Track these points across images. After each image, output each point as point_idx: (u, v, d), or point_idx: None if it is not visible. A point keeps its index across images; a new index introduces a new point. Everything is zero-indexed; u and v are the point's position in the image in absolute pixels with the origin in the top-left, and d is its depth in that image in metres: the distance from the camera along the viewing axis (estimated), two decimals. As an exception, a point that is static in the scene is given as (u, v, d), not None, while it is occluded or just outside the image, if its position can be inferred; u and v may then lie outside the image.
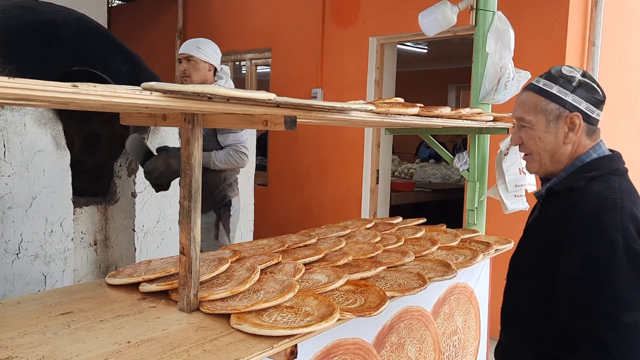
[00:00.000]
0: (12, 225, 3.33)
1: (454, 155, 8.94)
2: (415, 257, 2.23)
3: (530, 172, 1.59)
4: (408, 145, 9.12)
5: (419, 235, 2.59)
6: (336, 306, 1.56)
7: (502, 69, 2.61)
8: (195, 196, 1.59)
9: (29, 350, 1.31)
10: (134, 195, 3.96)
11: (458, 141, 7.65)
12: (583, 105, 1.47)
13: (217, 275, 1.80)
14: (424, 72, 9.97)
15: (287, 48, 5.84)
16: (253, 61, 6.44)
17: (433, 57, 9.04)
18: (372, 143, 5.15)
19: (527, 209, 2.69)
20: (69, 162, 3.59)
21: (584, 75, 1.50)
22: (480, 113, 2.38)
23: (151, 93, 1.06)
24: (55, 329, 1.45)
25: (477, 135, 2.83)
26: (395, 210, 5.59)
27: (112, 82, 3.94)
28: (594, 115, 1.48)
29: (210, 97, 1.16)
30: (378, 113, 1.56)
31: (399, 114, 1.69)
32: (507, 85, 2.68)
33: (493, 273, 2.88)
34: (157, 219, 4.13)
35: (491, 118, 2.38)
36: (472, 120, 2.27)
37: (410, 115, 1.79)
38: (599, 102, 1.48)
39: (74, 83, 0.92)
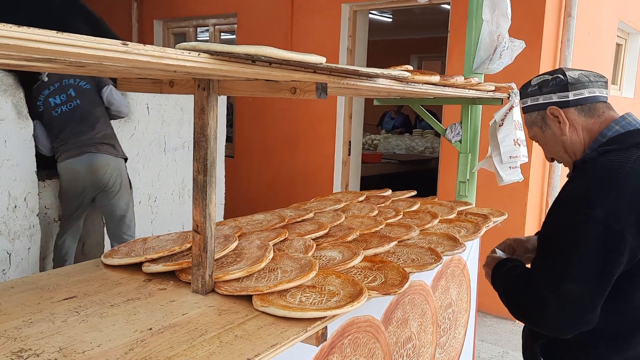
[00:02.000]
0: (-28, 201, 3.09)
1: (416, 128, 8.94)
2: (420, 230, 2.18)
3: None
4: (371, 116, 9.07)
5: (415, 208, 2.54)
6: (363, 285, 1.49)
7: (499, 37, 2.55)
8: (211, 170, 1.47)
9: (42, 342, 1.18)
10: (100, 167, 3.74)
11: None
12: (554, 97, 1.54)
13: (226, 254, 1.70)
14: (386, 41, 9.89)
15: (254, 13, 5.62)
16: (217, 27, 6.19)
17: (396, 26, 8.97)
18: (345, 114, 5.06)
19: (521, 181, 2.69)
20: (32, 132, 3.35)
21: (554, 72, 1.57)
22: (479, 83, 2.33)
23: (199, 54, 0.93)
24: (64, 315, 1.32)
25: (469, 106, 2.79)
26: (363, 182, 5.55)
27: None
28: (572, 98, 1.52)
29: (254, 61, 1.04)
30: (399, 80, 1.48)
31: (423, 82, 1.61)
32: (502, 55, 2.63)
33: (482, 245, 2.88)
34: (126, 192, 3.93)
35: (493, 88, 2.33)
36: (477, 89, 2.21)
37: (429, 84, 1.71)
38: (566, 85, 1.51)
39: (123, 42, 0.79)
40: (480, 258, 2.87)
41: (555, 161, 1.64)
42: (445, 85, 1.82)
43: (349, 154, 5.12)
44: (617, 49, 5.64)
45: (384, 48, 9.76)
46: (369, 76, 1.31)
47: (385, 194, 2.85)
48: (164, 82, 1.55)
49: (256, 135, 5.73)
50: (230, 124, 6.31)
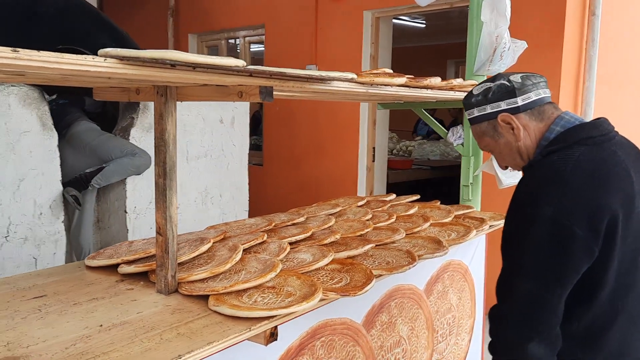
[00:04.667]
0: (-1, 208, 3.27)
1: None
2: (407, 234, 2.16)
3: None
4: (406, 122, 9.01)
5: (411, 212, 2.52)
6: (319, 286, 1.50)
7: (497, 38, 2.51)
8: (171, 174, 1.52)
9: (-5, 336, 1.25)
10: (124, 175, 3.88)
11: (459, 117, 7.53)
12: (503, 105, 1.51)
13: (199, 255, 1.74)
14: (422, 47, 9.82)
15: (280, 24, 5.71)
16: (247, 39, 6.32)
17: (431, 32, 8.89)
18: (368, 120, 5.06)
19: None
20: (57, 142, 3.51)
21: (495, 79, 1.55)
22: (474, 85, 2.30)
23: (105, 59, 0.98)
24: (26, 313, 1.39)
25: (471, 109, 2.74)
26: (392, 188, 5.52)
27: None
28: (521, 103, 1.50)
29: (172, 65, 1.08)
30: (360, 83, 1.48)
31: (385, 84, 1.61)
32: (503, 56, 2.58)
33: (488, 249, 2.82)
34: (149, 199, 4.06)
35: (484, 89, 2.29)
36: (465, 92, 2.18)
37: (397, 86, 1.71)
38: (513, 91, 1.50)
39: (14, 48, 0.84)
40: (487, 262, 2.81)
41: (509, 168, 1.63)
42: (417, 87, 1.81)
43: (373, 160, 5.11)
44: (656, 46, 5.40)
45: (420, 54, 9.69)
46: (311, 79, 1.33)
47: (388, 198, 2.84)
48: (131, 90, 1.61)
49: (283, 143, 5.80)
50: (260, 133, 6.42)
